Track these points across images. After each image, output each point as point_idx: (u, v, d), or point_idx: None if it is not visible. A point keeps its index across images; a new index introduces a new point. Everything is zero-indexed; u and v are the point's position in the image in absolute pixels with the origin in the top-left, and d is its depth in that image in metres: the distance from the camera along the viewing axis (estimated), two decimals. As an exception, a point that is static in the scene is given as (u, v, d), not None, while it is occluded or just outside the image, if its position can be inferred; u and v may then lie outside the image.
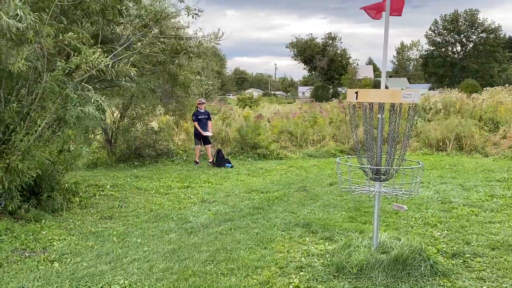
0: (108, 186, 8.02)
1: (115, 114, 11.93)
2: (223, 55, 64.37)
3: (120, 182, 8.47)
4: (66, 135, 5.50)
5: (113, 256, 4.51)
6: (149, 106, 11.40)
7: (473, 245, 4.66)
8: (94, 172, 9.96)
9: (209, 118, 11.35)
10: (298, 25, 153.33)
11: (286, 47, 63.60)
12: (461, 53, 65.93)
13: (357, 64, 61.37)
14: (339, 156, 10.86)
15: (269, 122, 14.58)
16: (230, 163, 10.87)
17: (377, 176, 3.99)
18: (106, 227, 5.58)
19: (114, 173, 9.63)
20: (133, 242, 4.97)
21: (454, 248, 4.60)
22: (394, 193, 3.98)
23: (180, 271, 4.10)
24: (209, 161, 11.16)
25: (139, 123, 11.90)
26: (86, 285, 3.83)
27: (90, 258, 4.44)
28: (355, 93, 3.87)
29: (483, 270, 4.06)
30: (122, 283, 3.85)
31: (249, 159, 12.01)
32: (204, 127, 11.12)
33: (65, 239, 5.02)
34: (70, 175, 7.06)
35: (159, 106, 11.84)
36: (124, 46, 6.23)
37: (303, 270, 4.12)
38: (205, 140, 11.28)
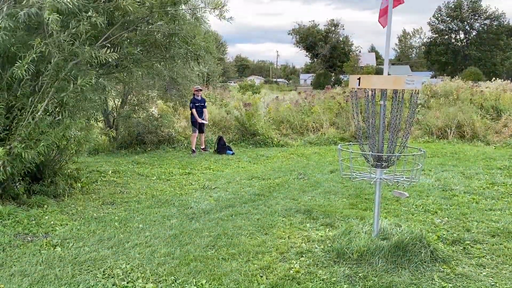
0: (110, 172, 8.04)
1: (116, 101, 11.91)
2: (224, 41, 63.94)
3: (121, 168, 8.50)
4: (66, 122, 5.49)
5: (115, 241, 4.54)
6: (152, 92, 11.35)
7: (473, 232, 4.68)
8: (95, 158, 9.98)
9: (204, 106, 11.28)
10: (302, 11, 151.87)
11: (289, 34, 63.22)
12: (464, 40, 65.42)
13: (360, 52, 61.04)
14: (340, 144, 10.87)
15: (269, 112, 14.56)
16: (231, 150, 10.88)
17: (379, 163, 3.99)
18: (108, 213, 5.61)
19: (116, 159, 9.65)
20: (134, 227, 5.00)
21: (455, 235, 4.62)
22: (395, 180, 3.98)
23: (181, 256, 4.13)
24: (202, 147, 11.17)
25: (140, 110, 11.88)
26: (88, 269, 3.86)
27: (92, 243, 4.47)
28: (358, 79, 3.85)
29: (483, 256, 4.09)
30: (124, 268, 3.88)
31: (250, 146, 12.02)
32: (201, 115, 11.05)
33: (67, 224, 5.06)
34: (72, 161, 7.08)
35: (159, 93, 11.80)
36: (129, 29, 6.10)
37: (304, 255, 4.14)
38: (201, 128, 11.23)
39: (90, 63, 5.44)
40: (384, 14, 4.14)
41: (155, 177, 7.84)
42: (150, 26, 6.14)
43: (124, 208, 5.82)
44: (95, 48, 5.23)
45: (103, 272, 3.81)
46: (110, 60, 5.38)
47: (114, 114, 11.79)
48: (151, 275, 3.76)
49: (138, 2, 5.27)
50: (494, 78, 20.99)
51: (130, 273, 3.80)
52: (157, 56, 6.93)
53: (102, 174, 7.86)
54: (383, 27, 4.15)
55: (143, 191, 6.82)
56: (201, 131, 11.20)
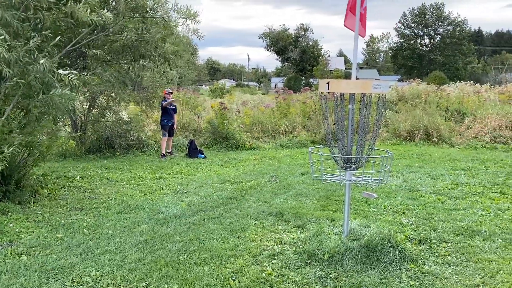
0: (78, 178, 7.86)
1: (84, 105, 11.65)
2: (195, 44, 63.53)
3: (90, 173, 8.32)
4: (31, 126, 5.32)
5: (83, 247, 4.44)
6: (121, 96, 11.15)
7: (439, 232, 4.83)
8: (63, 163, 9.73)
9: (175, 111, 11.19)
10: (274, 15, 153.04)
11: (259, 38, 63.43)
12: (429, 45, 67.47)
13: (329, 56, 61.92)
14: (311, 146, 11.00)
15: (239, 112, 14.58)
16: (203, 154, 10.83)
17: (348, 165, 4.07)
18: (76, 219, 5.48)
19: (84, 164, 9.44)
20: (104, 233, 4.91)
21: (421, 234, 4.76)
22: (364, 182, 4.07)
23: (152, 261, 4.09)
24: (168, 151, 11.09)
25: (109, 113, 11.66)
26: (56, 277, 3.76)
27: (60, 250, 4.36)
28: (327, 83, 3.92)
29: (448, 255, 4.23)
30: (93, 275, 3.80)
31: (222, 149, 12.00)
32: (171, 118, 10.96)
33: (33, 232, 4.91)
34: (38, 166, 6.88)
35: (128, 95, 11.58)
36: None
37: (276, 258, 4.17)
38: (171, 132, 11.14)
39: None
40: (350, 15, 4.23)
41: (124, 182, 7.72)
42: (118, 29, 6.03)
43: (93, 214, 5.70)
44: (54, 62, 4.97)
45: (72, 280, 3.72)
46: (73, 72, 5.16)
47: (82, 117, 11.52)
48: (122, 281, 3.69)
49: (97, 12, 5.10)
50: (458, 81, 21.80)
51: (100, 280, 3.72)
52: (126, 59, 6.82)
53: (70, 180, 7.67)
54: (349, 29, 4.26)
55: (112, 196, 6.69)
56: (170, 134, 11.10)
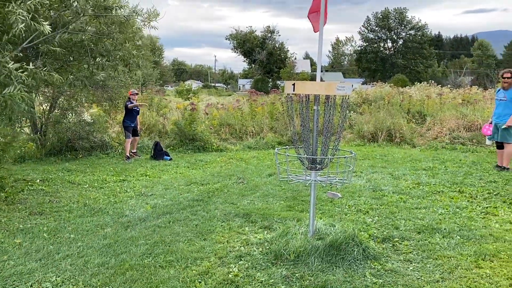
0: (38, 181, 7.59)
1: (44, 105, 11.27)
2: (161, 44, 62.72)
3: (51, 176, 8.05)
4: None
5: (43, 253, 4.29)
6: (83, 96, 10.87)
7: (401, 230, 4.97)
8: (21, 166, 9.37)
9: (138, 113, 11.02)
10: (241, 17, 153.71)
11: (226, 39, 63.33)
12: (392, 49, 69.45)
13: (295, 58, 62.60)
14: (277, 147, 11.07)
15: (207, 114, 14.49)
16: (169, 156, 10.70)
17: (313, 166, 4.13)
18: (36, 223, 5.29)
19: (44, 167, 9.12)
20: (65, 237, 4.76)
21: (384, 233, 4.87)
22: (329, 182, 4.14)
23: (116, 265, 4.00)
24: (133, 151, 10.89)
25: (71, 114, 11.32)
26: (13, 284, 3.62)
27: (18, 256, 4.19)
28: (293, 85, 3.96)
29: (410, 252, 4.35)
30: (54, 281, 3.68)
31: (189, 151, 11.89)
32: (135, 119, 10.78)
33: (-11, 238, 4.70)
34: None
35: (92, 95, 11.30)
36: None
37: (242, 259, 4.17)
38: (135, 132, 10.94)
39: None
40: (314, 12, 4.30)
41: (87, 185, 7.51)
42: (79, 28, 5.86)
43: (54, 218, 5.52)
44: (5, 56, 4.73)
45: (31, 286, 3.59)
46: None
47: (43, 119, 11.14)
48: (84, 286, 3.59)
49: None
50: (418, 83, 22.58)
51: (60, 286, 3.60)
52: (85, 59, 6.62)
53: (29, 183, 7.40)
54: (315, 30, 4.33)
55: (74, 199, 6.50)
56: (136, 135, 10.90)
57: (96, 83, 9.41)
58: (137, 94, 11.05)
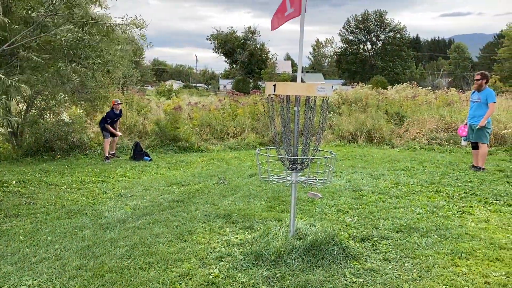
0: (14, 182, 7.42)
1: (21, 105, 11.03)
2: (141, 44, 62.01)
3: (27, 178, 7.88)
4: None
5: (19, 256, 4.19)
6: (62, 96, 10.67)
7: (380, 229, 5.03)
8: (-4, 167, 9.15)
9: (120, 117, 10.92)
10: (223, 17, 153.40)
11: (207, 39, 63.11)
12: (371, 51, 70.37)
13: (276, 59, 62.82)
14: (258, 148, 11.08)
15: (190, 117, 14.40)
16: (149, 157, 10.60)
17: (294, 166, 4.15)
18: (11, 226, 5.17)
19: (20, 168, 8.92)
20: (42, 240, 4.66)
21: (364, 232, 4.93)
22: (309, 182, 4.16)
23: (95, 267, 3.94)
24: (111, 152, 10.75)
25: (49, 114, 11.11)
26: (-12, 288, 3.53)
27: (-7, 260, 4.09)
28: (274, 86, 3.98)
29: (389, 251, 4.41)
30: (30, 284, 3.60)
31: (169, 152, 11.80)
32: (114, 124, 10.67)
33: (-38, 241, 4.57)
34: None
35: (70, 95, 11.11)
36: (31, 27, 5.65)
37: (223, 260, 4.16)
38: (115, 129, 10.81)
39: None
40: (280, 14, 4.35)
41: (65, 186, 7.38)
42: (57, 29, 5.75)
43: (31, 220, 5.40)
44: None
45: (6, 290, 3.50)
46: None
47: (19, 119, 10.88)
48: (61, 290, 3.53)
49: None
50: (397, 84, 22.94)
51: (37, 289, 3.53)
52: (63, 59, 6.51)
53: (5, 184, 7.23)
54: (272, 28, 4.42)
55: (52, 201, 6.38)
56: (114, 135, 10.75)
57: (72, 84, 9.28)
58: (120, 103, 10.86)
